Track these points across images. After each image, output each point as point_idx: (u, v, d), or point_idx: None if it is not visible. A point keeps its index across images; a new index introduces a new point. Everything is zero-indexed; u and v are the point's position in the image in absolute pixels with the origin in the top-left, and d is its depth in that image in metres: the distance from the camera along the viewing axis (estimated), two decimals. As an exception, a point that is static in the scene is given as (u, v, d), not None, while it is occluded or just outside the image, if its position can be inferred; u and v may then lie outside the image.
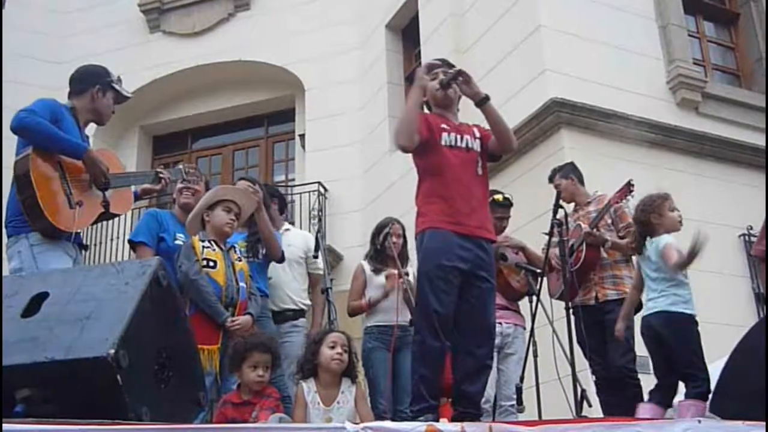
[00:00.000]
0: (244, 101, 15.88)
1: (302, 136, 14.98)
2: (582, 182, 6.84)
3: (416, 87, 4.96)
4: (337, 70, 14.67)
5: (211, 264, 5.31)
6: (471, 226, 4.75)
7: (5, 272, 4.75)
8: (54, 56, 15.38)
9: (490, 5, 11.78)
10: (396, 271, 6.18)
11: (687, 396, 5.37)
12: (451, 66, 5.14)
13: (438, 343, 4.57)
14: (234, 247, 5.59)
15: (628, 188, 6.34)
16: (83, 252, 5.18)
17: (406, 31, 14.17)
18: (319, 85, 14.77)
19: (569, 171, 6.84)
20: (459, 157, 4.88)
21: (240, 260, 5.54)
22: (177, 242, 5.62)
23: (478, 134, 5.02)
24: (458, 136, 4.94)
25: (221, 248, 5.43)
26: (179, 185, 5.90)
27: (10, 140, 4.96)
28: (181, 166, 5.79)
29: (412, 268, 6.26)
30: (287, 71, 15.14)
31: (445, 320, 4.58)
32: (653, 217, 5.75)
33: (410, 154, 4.96)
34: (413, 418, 4.41)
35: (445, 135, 4.88)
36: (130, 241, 5.76)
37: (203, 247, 5.35)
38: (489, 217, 5.02)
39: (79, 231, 4.99)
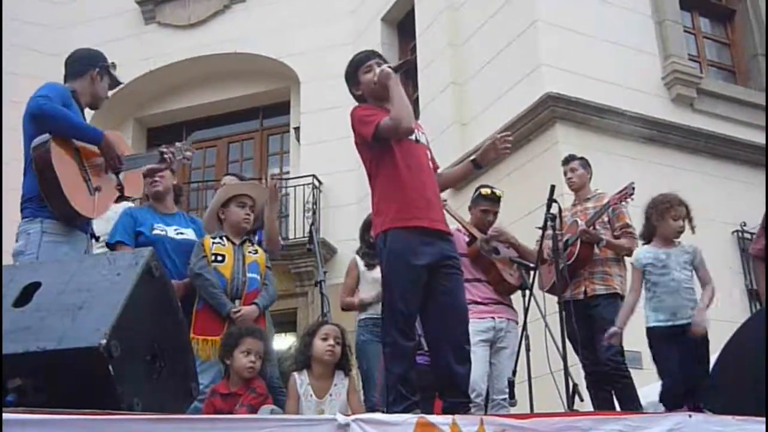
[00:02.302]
0: (239, 93, 15.87)
1: (297, 129, 14.98)
2: (590, 179, 6.87)
3: (396, 79, 4.74)
4: (333, 63, 14.56)
5: (220, 258, 5.46)
6: (429, 220, 4.65)
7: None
8: (49, 47, 15.31)
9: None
10: None
11: None
12: (380, 56, 5.09)
13: (410, 342, 4.53)
14: (249, 240, 5.68)
15: (629, 191, 6.34)
16: (94, 240, 5.15)
17: (402, 25, 14.17)
18: (315, 78, 14.74)
19: (587, 164, 6.84)
20: (409, 150, 4.76)
21: (255, 252, 5.61)
22: (155, 233, 5.64)
23: (422, 129, 4.96)
24: None
25: (233, 243, 5.55)
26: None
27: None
28: (179, 144, 5.62)
29: None
30: (282, 64, 15.14)
31: (410, 319, 4.55)
32: (654, 217, 5.80)
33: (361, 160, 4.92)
34: None
35: None
36: (107, 245, 5.75)
37: (213, 243, 5.52)
38: (443, 211, 4.94)
39: (90, 221, 4.97)
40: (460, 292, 4.72)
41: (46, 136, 4.68)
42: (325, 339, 4.95)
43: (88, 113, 5.38)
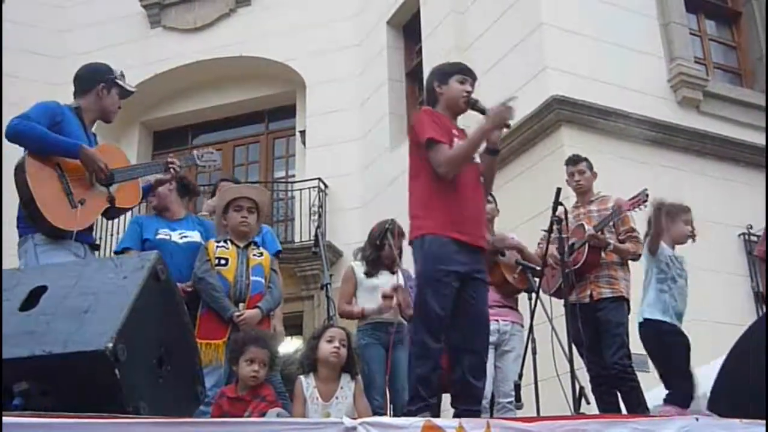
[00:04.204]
0: (244, 97, 15.87)
1: (303, 133, 14.98)
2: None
3: (489, 127, 4.83)
4: (338, 66, 14.66)
5: (223, 262, 5.48)
6: (472, 235, 4.77)
7: None
8: (54, 51, 15.39)
9: (491, 2, 11.78)
10: (392, 291, 6.07)
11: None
12: (476, 79, 5.18)
13: (437, 344, 4.62)
14: (255, 243, 5.69)
15: (642, 198, 6.30)
16: (95, 252, 5.22)
17: (407, 28, 14.16)
18: (320, 81, 14.77)
19: (592, 165, 6.81)
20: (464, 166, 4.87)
21: (260, 255, 5.62)
22: (159, 237, 5.69)
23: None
24: None
25: (237, 246, 5.57)
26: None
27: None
28: (195, 152, 5.79)
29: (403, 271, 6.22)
30: (288, 67, 15.14)
31: (442, 322, 4.62)
32: (665, 220, 5.84)
33: (407, 152, 4.97)
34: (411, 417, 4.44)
35: (456, 141, 4.86)
36: (115, 253, 5.80)
37: (217, 246, 5.54)
38: (486, 227, 5.08)
39: (88, 230, 5.02)
40: (485, 304, 4.86)
41: (22, 157, 4.81)
42: (330, 341, 4.96)
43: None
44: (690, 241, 5.97)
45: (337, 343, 4.95)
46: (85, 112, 5.18)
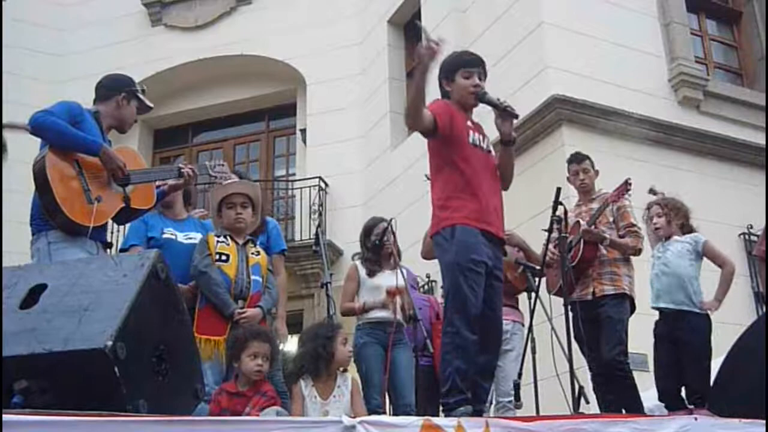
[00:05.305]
0: (245, 95, 15.89)
1: (303, 131, 14.99)
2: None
3: (423, 72, 4.64)
4: (339, 64, 14.66)
5: (224, 258, 5.44)
6: (496, 227, 4.87)
7: None
8: (55, 49, 15.42)
9: (492, 1, 11.78)
10: (395, 287, 6.07)
11: None
12: (485, 67, 5.23)
13: (473, 336, 4.64)
14: (253, 241, 5.67)
15: (625, 186, 6.32)
16: (108, 250, 5.27)
17: (408, 27, 14.16)
18: (321, 80, 14.78)
19: (594, 165, 6.82)
20: (481, 158, 4.97)
21: (258, 254, 5.60)
22: (165, 236, 5.69)
23: (488, 138, 5.12)
24: (480, 137, 5.03)
25: (236, 242, 5.55)
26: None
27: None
28: (207, 163, 5.84)
29: (404, 269, 6.21)
30: (289, 66, 15.15)
31: (476, 310, 4.66)
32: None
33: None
34: (450, 410, 4.51)
35: (471, 133, 4.95)
36: (121, 250, 5.82)
37: (217, 241, 5.51)
38: (503, 220, 5.11)
39: (102, 228, 5.06)
40: (499, 305, 4.91)
41: (44, 150, 4.86)
42: (345, 344, 4.99)
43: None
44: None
45: (350, 346, 5.00)
46: (102, 118, 5.26)
